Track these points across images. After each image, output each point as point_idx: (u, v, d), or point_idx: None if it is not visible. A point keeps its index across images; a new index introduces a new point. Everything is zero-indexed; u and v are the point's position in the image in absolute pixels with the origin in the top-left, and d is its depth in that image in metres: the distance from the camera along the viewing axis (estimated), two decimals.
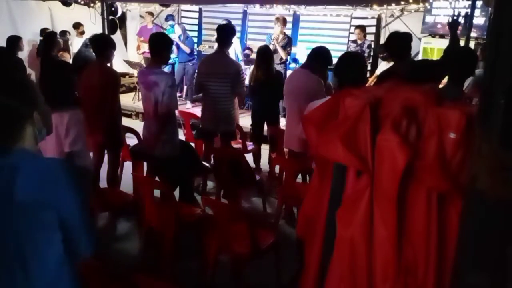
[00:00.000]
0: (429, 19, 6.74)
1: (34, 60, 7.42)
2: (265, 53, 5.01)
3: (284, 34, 7.04)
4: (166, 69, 7.85)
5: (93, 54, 6.38)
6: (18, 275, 1.34)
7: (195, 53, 8.21)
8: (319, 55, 3.90)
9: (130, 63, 8.68)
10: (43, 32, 7.72)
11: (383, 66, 6.62)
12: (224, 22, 7.00)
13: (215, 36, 4.56)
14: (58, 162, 1.44)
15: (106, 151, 4.27)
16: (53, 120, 2.77)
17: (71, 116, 2.78)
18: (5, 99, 1.35)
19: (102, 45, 4.06)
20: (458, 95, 3.00)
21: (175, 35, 7.74)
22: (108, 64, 4.42)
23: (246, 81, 7.24)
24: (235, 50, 7.77)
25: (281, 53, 6.87)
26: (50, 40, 5.59)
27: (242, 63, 7.29)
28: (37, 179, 1.35)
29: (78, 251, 1.49)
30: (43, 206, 1.35)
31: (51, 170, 1.39)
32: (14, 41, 5.86)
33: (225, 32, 4.51)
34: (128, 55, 9.62)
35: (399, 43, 3.69)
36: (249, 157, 4.80)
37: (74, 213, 1.42)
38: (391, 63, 6.49)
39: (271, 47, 7.13)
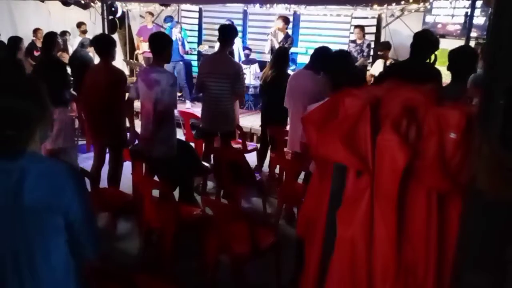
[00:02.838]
0: (429, 19, 6.73)
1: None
2: (281, 55, 5.01)
3: (287, 33, 7.02)
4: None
5: (89, 54, 6.41)
6: (27, 278, 1.35)
7: (189, 53, 8.22)
8: (322, 55, 3.88)
9: (130, 63, 8.68)
10: (35, 32, 7.68)
11: (379, 64, 6.62)
12: (227, 22, 7.00)
13: (216, 36, 4.56)
14: (65, 165, 1.45)
15: (107, 151, 4.27)
16: None
17: (53, 114, 2.79)
18: (19, 102, 1.34)
19: (104, 45, 4.06)
20: (460, 93, 3.04)
21: (177, 35, 7.74)
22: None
23: (255, 82, 7.25)
24: (238, 50, 7.76)
25: None
26: (50, 41, 5.60)
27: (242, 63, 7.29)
28: (46, 183, 1.35)
29: (83, 255, 1.51)
30: (51, 210, 1.36)
31: (59, 173, 1.40)
32: (15, 42, 5.87)
33: (228, 32, 4.51)
34: (128, 55, 9.61)
35: (424, 44, 3.69)
36: (249, 157, 4.80)
37: (81, 217, 1.43)
38: (388, 61, 6.53)
39: (268, 42, 7.13)
